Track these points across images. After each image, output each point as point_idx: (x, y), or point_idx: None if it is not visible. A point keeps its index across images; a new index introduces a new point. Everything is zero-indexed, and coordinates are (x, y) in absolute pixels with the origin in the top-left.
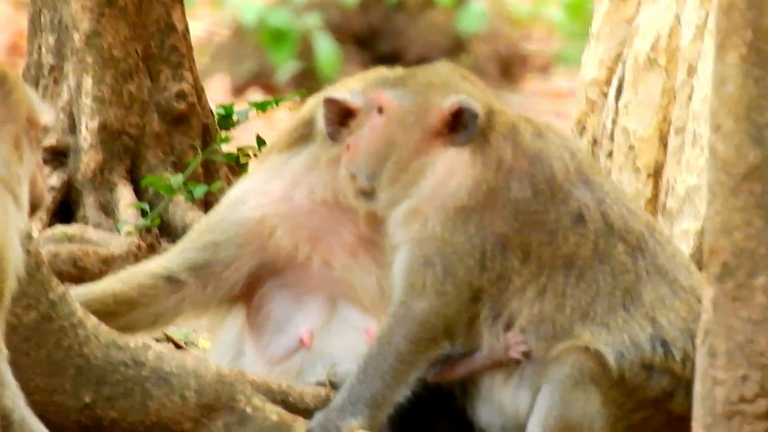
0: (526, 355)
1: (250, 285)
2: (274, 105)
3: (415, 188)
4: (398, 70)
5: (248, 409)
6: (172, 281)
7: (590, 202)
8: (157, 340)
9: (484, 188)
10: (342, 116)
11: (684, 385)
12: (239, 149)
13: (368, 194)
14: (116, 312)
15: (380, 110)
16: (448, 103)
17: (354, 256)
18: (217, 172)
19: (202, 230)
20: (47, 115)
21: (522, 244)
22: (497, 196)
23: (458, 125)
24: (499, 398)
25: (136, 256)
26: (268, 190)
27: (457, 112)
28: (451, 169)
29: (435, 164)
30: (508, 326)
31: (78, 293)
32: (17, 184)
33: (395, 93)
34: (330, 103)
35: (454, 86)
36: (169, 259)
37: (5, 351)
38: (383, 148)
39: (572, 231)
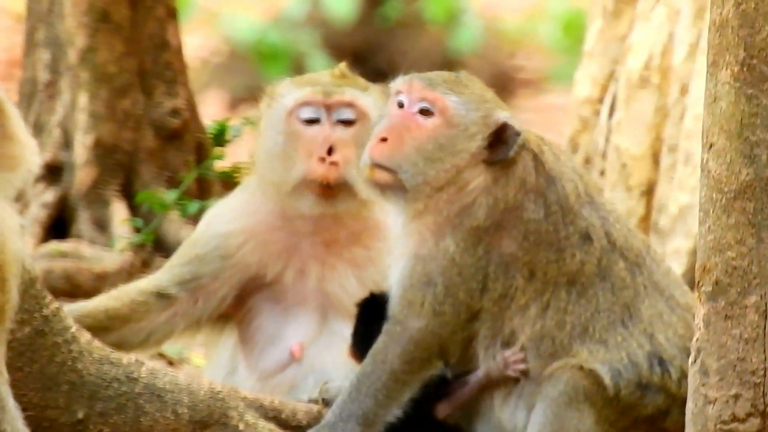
0: (524, 373)
1: (240, 299)
2: None
3: (442, 202)
4: (438, 73)
5: (241, 426)
6: (162, 297)
7: (596, 221)
8: (150, 357)
9: (501, 207)
10: None
11: (679, 403)
12: (233, 165)
13: (399, 191)
14: (109, 327)
15: (426, 111)
16: (500, 118)
17: (328, 264)
18: (210, 189)
19: (187, 246)
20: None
21: (529, 262)
22: (511, 216)
23: (497, 141)
24: (497, 416)
25: (130, 272)
26: (236, 207)
27: (501, 128)
28: (478, 187)
29: (466, 179)
30: (507, 344)
31: (71, 309)
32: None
33: (458, 99)
34: None
35: (499, 102)
36: (158, 276)
37: (6, 374)
38: (437, 151)
39: (579, 249)
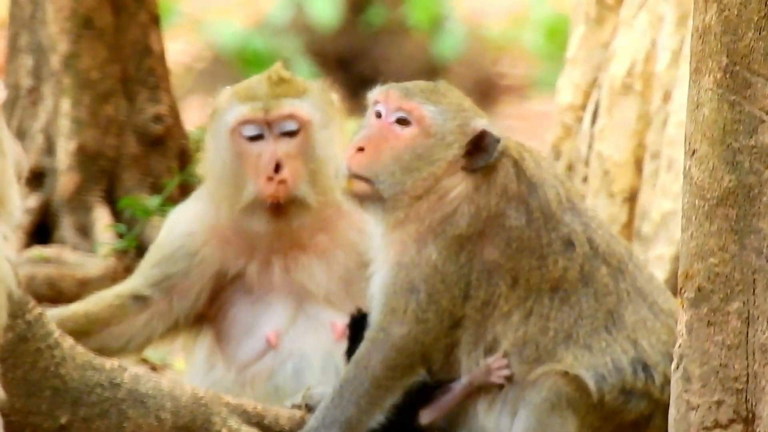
0: (509, 379)
1: (213, 294)
2: None
3: (423, 210)
4: (415, 83)
5: (224, 431)
6: (138, 299)
7: (578, 227)
8: (133, 362)
9: (484, 215)
10: None
11: (662, 409)
12: None
13: (377, 201)
14: (90, 331)
15: (403, 121)
16: (478, 125)
17: (290, 256)
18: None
19: (153, 249)
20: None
21: (512, 269)
22: (493, 224)
23: (476, 149)
24: (482, 423)
25: (113, 278)
26: (196, 210)
27: (480, 136)
28: (459, 195)
29: (446, 188)
30: (490, 350)
31: (52, 314)
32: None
33: (435, 109)
34: None
35: (477, 110)
36: (132, 280)
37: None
38: (414, 161)
39: (562, 255)
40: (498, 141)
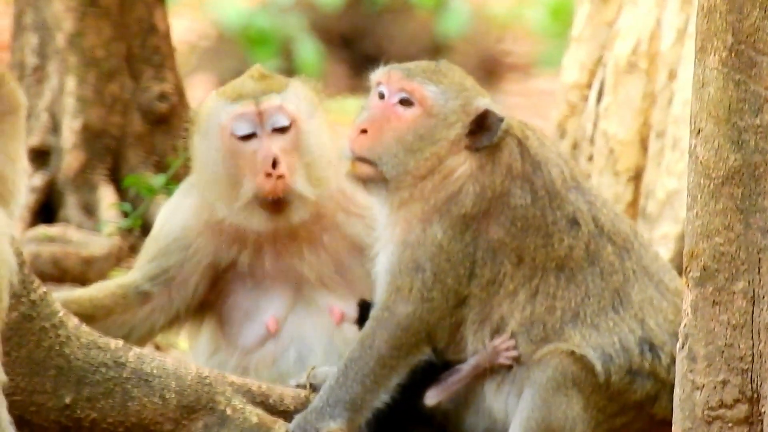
0: (516, 360)
1: (211, 283)
2: None
3: (428, 190)
4: (417, 63)
5: (228, 411)
6: (139, 293)
7: (583, 205)
8: None
9: (489, 194)
10: None
11: (668, 389)
12: None
13: (380, 183)
14: (93, 316)
15: (406, 101)
16: (480, 105)
17: (279, 243)
18: None
19: (149, 243)
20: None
21: (517, 248)
22: (498, 203)
23: (479, 128)
24: (489, 405)
25: (118, 256)
26: (190, 203)
27: (483, 115)
28: (463, 175)
29: (450, 167)
30: (497, 330)
31: (56, 296)
32: (7, 182)
33: (436, 89)
34: None
35: (479, 89)
36: (132, 275)
37: (4, 377)
38: (417, 141)
39: (567, 234)
40: (501, 120)
